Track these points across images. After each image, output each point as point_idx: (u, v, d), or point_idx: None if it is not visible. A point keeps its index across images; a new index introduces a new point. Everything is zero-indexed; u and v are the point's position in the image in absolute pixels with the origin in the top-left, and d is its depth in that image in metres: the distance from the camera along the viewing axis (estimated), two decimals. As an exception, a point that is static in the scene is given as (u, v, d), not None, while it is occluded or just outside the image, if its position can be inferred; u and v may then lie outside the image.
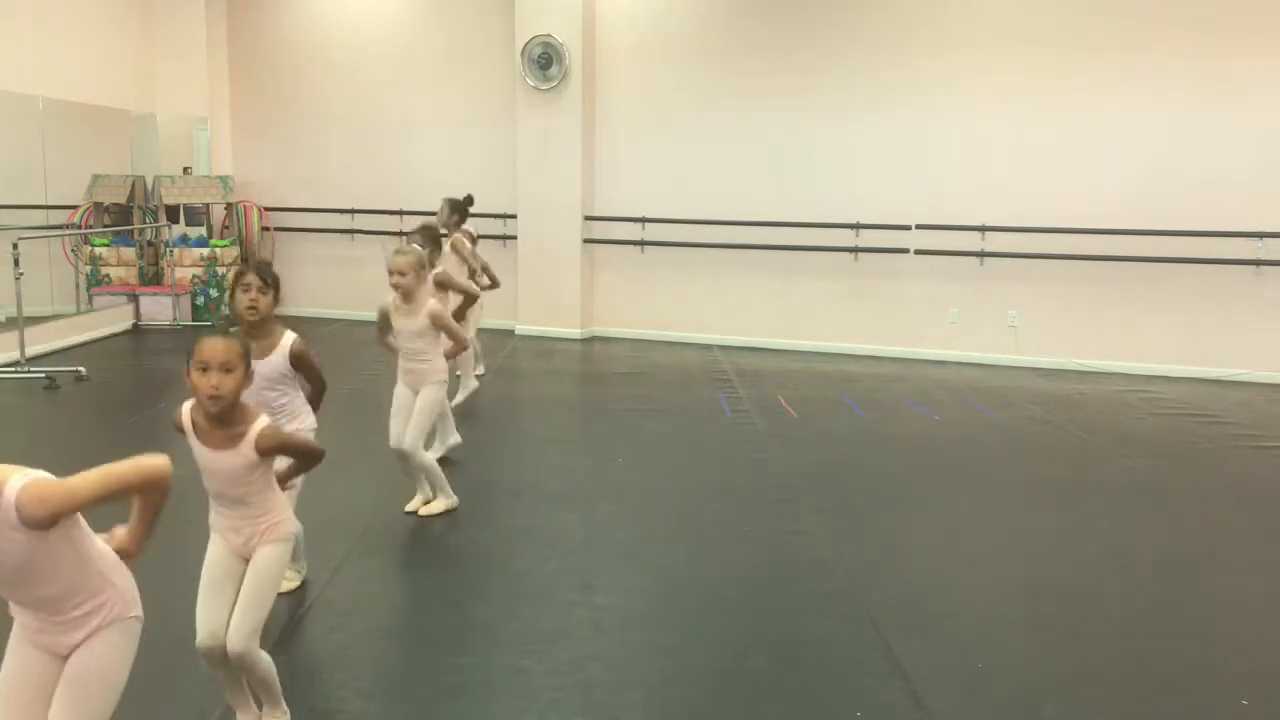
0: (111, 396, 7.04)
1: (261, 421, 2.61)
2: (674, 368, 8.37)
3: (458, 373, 7.45)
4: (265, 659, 2.70)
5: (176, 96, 10.25)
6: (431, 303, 4.58)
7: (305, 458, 2.86)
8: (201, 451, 2.62)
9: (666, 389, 7.53)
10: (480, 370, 7.54)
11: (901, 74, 8.65)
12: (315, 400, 3.70)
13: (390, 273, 4.50)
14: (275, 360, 3.49)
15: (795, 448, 5.96)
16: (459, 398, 6.48)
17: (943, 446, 6.06)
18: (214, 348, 2.51)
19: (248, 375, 2.58)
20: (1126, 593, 3.98)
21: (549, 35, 9.26)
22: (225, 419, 2.56)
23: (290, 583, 3.68)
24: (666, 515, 4.75)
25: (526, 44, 9.36)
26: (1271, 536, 4.64)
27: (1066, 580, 4.07)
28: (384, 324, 4.64)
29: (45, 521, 1.92)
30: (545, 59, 9.31)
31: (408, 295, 4.50)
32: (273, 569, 2.70)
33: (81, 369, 7.43)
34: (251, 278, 3.46)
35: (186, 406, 2.64)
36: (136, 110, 9.96)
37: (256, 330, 3.48)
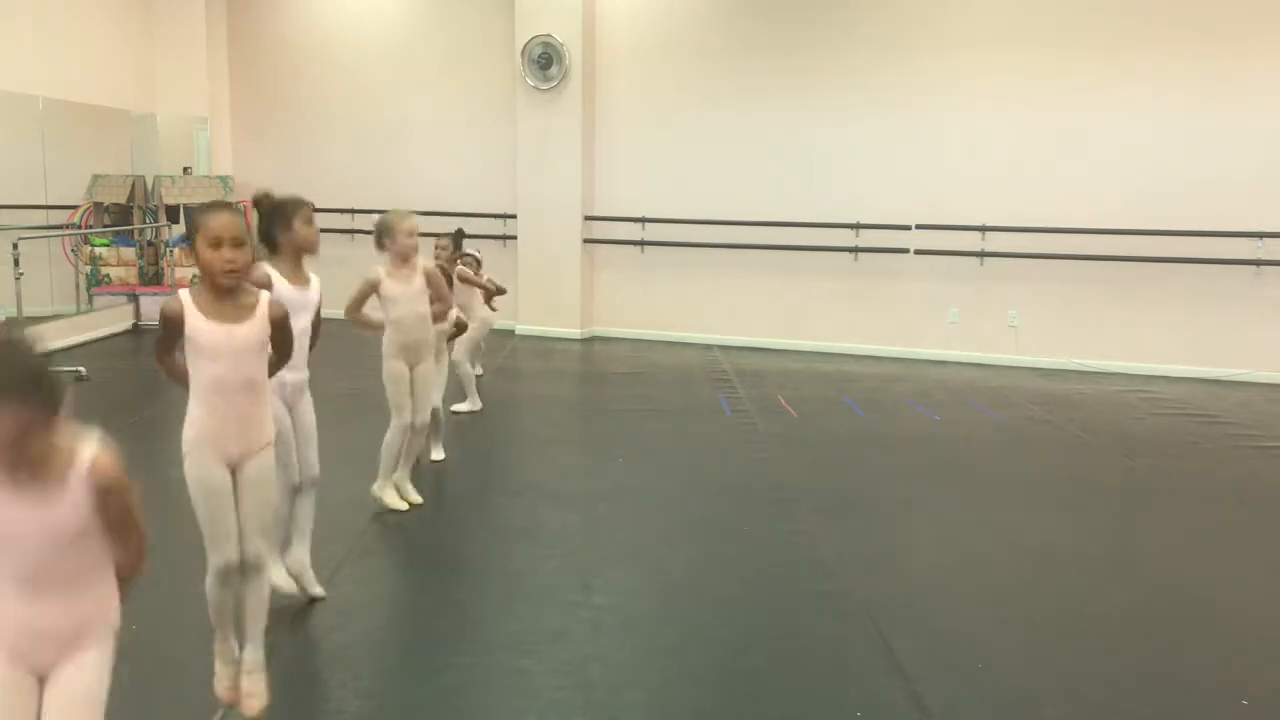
0: (111, 396, 7.04)
1: (266, 294, 2.69)
2: (674, 368, 8.37)
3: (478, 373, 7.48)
4: (270, 569, 2.82)
5: (176, 96, 10.25)
6: (424, 261, 4.55)
7: (288, 347, 2.91)
8: (210, 331, 2.60)
9: (666, 389, 7.53)
10: (479, 371, 7.53)
11: (902, 74, 8.65)
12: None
13: (408, 234, 4.35)
14: (313, 291, 3.53)
15: (795, 448, 5.96)
16: (464, 405, 6.50)
17: (943, 446, 6.06)
18: (223, 221, 2.56)
19: (254, 248, 2.69)
20: (1126, 593, 3.98)
21: (549, 35, 9.26)
22: (236, 292, 2.62)
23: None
24: (666, 515, 4.75)
25: (526, 44, 9.36)
26: (1271, 536, 4.65)
27: (1066, 580, 4.07)
28: (365, 295, 4.45)
29: (108, 486, 1.90)
30: (545, 59, 9.31)
31: (410, 258, 4.42)
32: (273, 473, 2.84)
33: (81, 369, 7.43)
34: (310, 210, 3.53)
35: (185, 294, 2.63)
36: (136, 110, 9.96)
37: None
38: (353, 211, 10.27)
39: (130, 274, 9.87)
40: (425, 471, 5.28)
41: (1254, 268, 7.89)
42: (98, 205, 9.60)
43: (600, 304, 9.87)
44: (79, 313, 9.23)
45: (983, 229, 8.52)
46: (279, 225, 3.45)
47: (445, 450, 5.47)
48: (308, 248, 3.50)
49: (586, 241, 9.67)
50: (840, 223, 8.90)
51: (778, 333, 9.31)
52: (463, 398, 6.56)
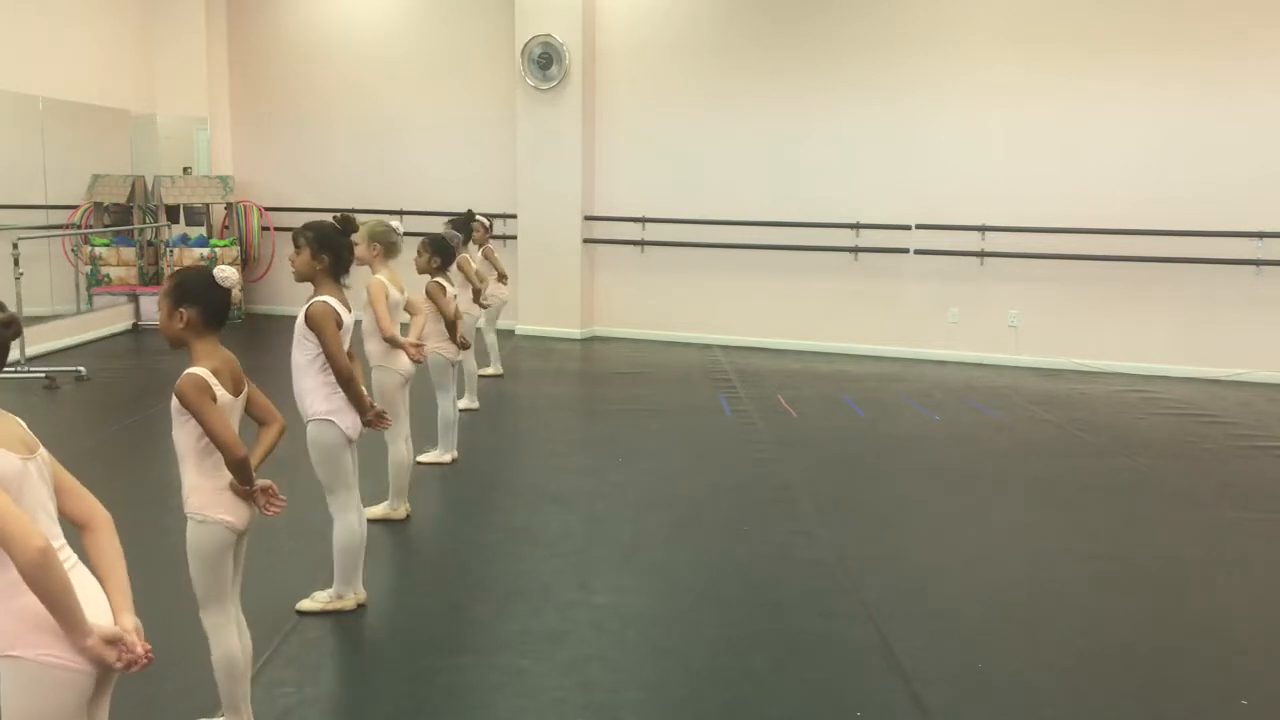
0: (111, 396, 7.04)
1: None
2: (674, 368, 8.37)
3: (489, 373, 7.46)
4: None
5: (176, 96, 10.25)
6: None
7: None
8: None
9: (666, 389, 7.53)
10: (500, 371, 7.71)
11: (902, 74, 8.65)
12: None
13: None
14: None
15: (795, 448, 5.96)
16: (462, 403, 6.52)
17: (943, 446, 6.06)
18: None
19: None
20: (1126, 593, 3.98)
21: (549, 35, 9.26)
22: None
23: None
24: (666, 515, 4.75)
25: (526, 44, 9.36)
26: (1272, 536, 4.64)
27: (1066, 580, 4.07)
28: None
29: None
30: (545, 59, 9.31)
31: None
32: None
33: (81, 369, 7.43)
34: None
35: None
36: (136, 110, 9.96)
37: None
38: (353, 211, 10.25)
39: (130, 274, 9.87)
40: (426, 472, 5.28)
41: (1254, 268, 7.89)
42: (98, 205, 9.60)
43: (600, 304, 9.87)
44: (79, 313, 9.23)
45: (982, 229, 8.52)
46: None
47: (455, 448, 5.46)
48: None
49: (586, 241, 9.67)
50: (840, 223, 8.90)
51: (777, 333, 9.30)
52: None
